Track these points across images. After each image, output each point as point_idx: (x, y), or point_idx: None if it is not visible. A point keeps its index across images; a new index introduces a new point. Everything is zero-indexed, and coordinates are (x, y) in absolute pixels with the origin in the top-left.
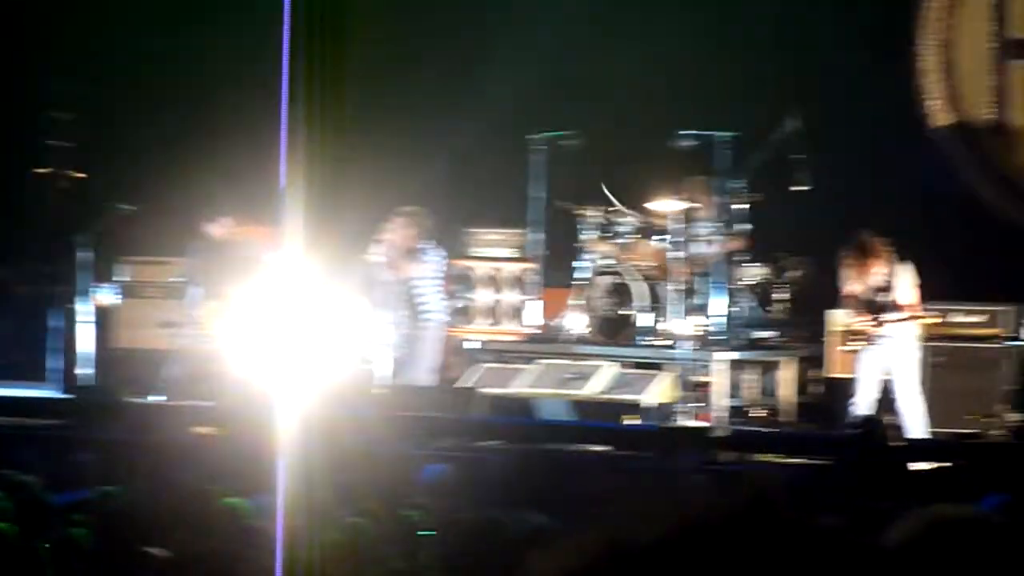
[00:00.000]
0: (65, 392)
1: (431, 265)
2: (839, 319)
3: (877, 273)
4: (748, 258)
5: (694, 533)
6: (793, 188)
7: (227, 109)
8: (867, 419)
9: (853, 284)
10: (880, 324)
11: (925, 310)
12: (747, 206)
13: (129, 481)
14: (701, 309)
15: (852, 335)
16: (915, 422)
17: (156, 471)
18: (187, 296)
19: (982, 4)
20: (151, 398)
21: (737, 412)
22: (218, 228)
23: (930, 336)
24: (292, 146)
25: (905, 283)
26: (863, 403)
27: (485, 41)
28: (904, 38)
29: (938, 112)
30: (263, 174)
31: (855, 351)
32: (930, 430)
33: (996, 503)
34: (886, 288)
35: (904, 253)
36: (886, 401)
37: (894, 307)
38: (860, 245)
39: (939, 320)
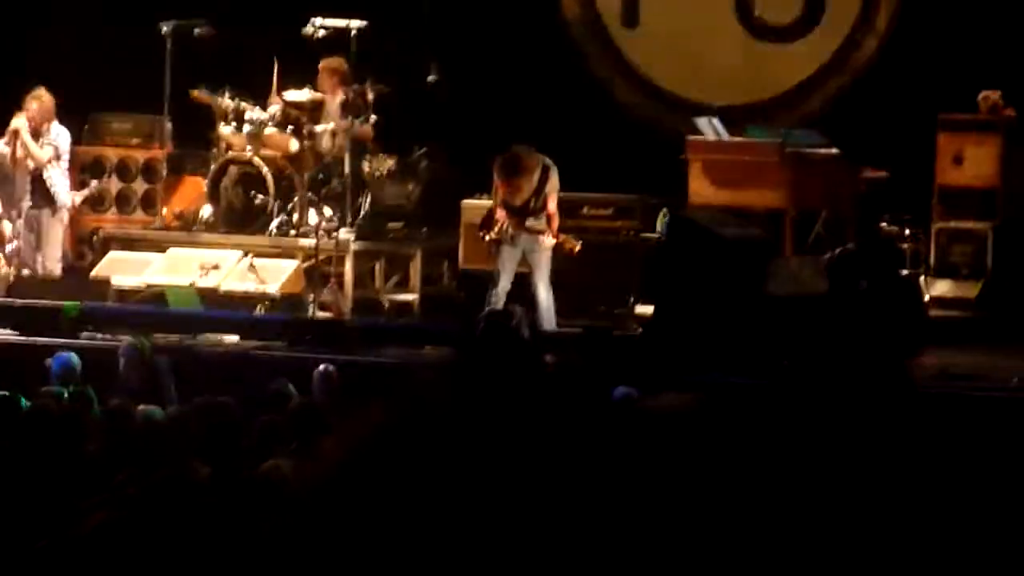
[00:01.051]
0: None
1: (55, 147)
2: (473, 211)
3: (529, 184)
4: (378, 149)
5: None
6: (425, 79)
7: None
8: (499, 311)
9: (503, 197)
10: (521, 227)
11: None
12: (376, 96)
13: None
14: (331, 200)
15: (489, 230)
16: (547, 314)
17: None
18: None
19: None
20: None
21: (368, 303)
22: None
23: (562, 229)
24: None
25: (552, 190)
26: (498, 295)
27: None
28: None
29: (569, 5)
30: None
31: (491, 243)
32: (561, 322)
33: (621, 395)
34: (535, 194)
35: (548, 155)
36: (520, 294)
37: (540, 210)
38: (512, 160)
39: (576, 247)
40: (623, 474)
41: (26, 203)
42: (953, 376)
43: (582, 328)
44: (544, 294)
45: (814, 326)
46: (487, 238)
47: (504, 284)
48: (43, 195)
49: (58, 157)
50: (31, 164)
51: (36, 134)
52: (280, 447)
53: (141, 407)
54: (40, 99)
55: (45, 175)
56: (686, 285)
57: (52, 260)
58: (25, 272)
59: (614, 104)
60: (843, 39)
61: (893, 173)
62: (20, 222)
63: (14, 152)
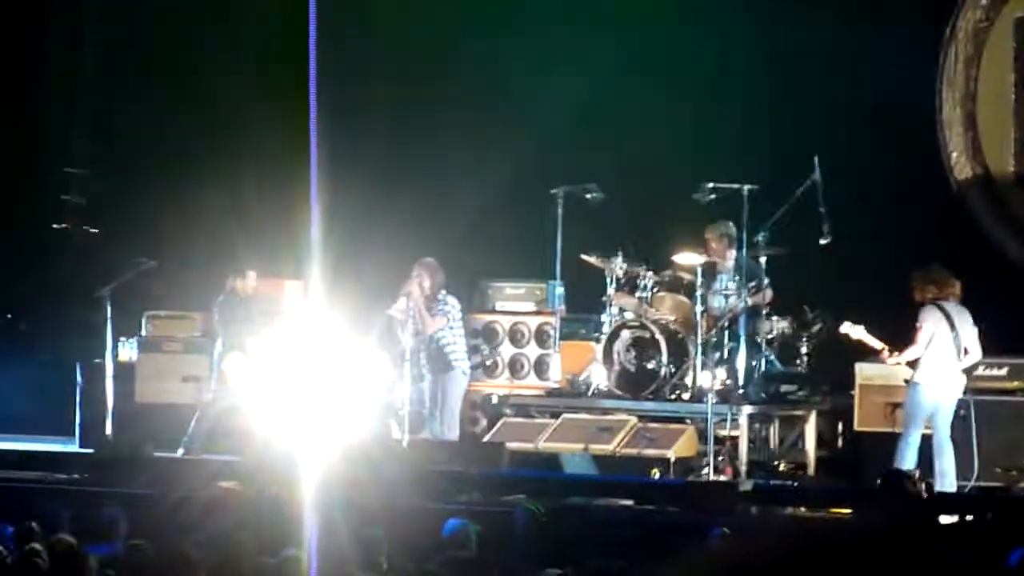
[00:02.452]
0: (87, 446)
1: (450, 315)
2: (868, 372)
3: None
4: (771, 311)
5: None
6: (817, 241)
7: (248, 163)
8: (895, 472)
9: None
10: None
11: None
12: (769, 259)
13: (157, 536)
14: (725, 363)
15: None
16: (947, 474)
17: (184, 526)
18: (213, 350)
19: (1005, 56)
20: (176, 453)
21: (762, 466)
22: (243, 282)
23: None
24: (318, 199)
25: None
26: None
27: (507, 92)
28: (927, 90)
29: (960, 164)
30: (286, 227)
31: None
32: (958, 483)
33: (1021, 557)
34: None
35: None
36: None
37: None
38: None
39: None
40: None
41: (422, 367)
42: None
43: (979, 488)
44: (944, 452)
45: None
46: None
47: (914, 440)
48: (439, 360)
49: (451, 326)
50: (424, 330)
51: (428, 300)
52: None
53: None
54: (430, 267)
55: (442, 341)
56: None
57: (448, 425)
58: (422, 436)
59: (1006, 262)
60: None
61: None
62: (411, 386)
63: (410, 316)
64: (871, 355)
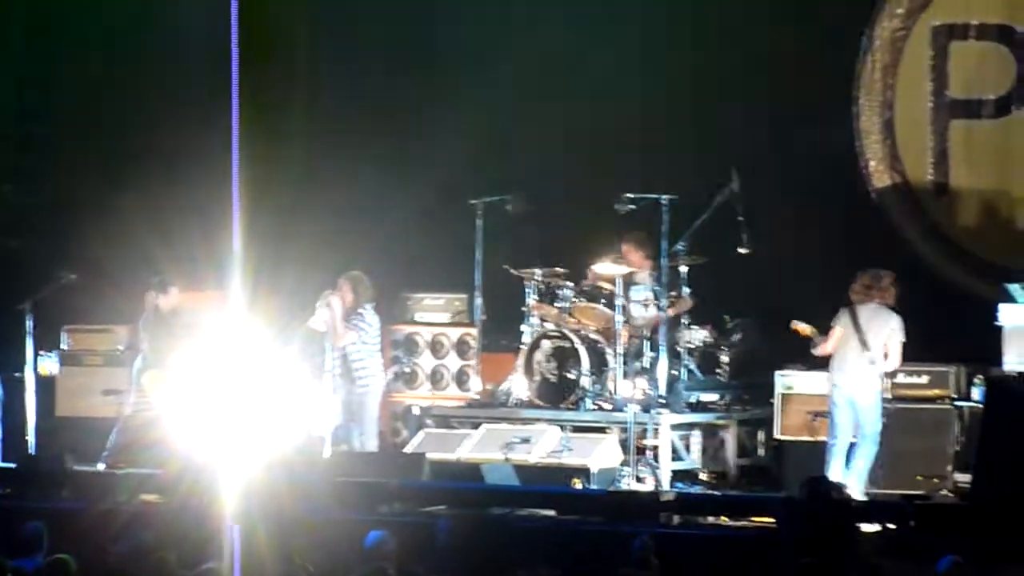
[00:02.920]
0: (8, 460)
1: (368, 329)
2: (788, 381)
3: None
4: (691, 321)
5: None
6: (736, 250)
7: (169, 174)
8: (815, 479)
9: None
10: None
11: None
12: (689, 268)
13: (78, 549)
14: (645, 372)
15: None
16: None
17: (105, 540)
18: (133, 363)
19: (922, 64)
20: (97, 466)
21: (683, 475)
22: (164, 297)
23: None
24: (240, 213)
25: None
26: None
27: (428, 106)
28: (844, 99)
29: (878, 172)
30: (206, 241)
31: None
32: (879, 491)
33: (949, 564)
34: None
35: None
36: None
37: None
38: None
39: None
40: None
41: (337, 378)
42: None
43: (901, 496)
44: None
45: None
46: None
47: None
48: (348, 374)
49: (371, 339)
50: (334, 341)
51: (348, 313)
52: None
53: None
54: (355, 280)
55: (352, 356)
56: (1005, 451)
57: (368, 436)
58: (343, 448)
59: (925, 270)
60: None
61: None
62: (331, 397)
63: (329, 329)
64: (791, 363)
